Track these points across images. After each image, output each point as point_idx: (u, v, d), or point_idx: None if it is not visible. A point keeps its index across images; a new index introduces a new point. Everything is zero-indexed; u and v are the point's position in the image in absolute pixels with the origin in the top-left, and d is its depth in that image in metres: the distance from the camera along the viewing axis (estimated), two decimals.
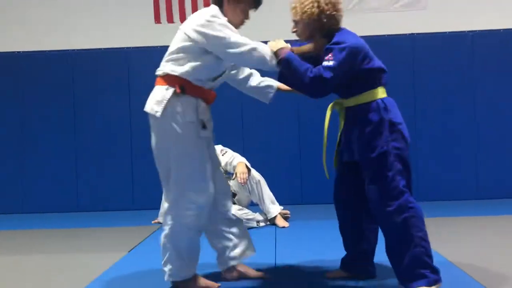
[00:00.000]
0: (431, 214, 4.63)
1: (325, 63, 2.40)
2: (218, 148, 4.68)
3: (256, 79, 2.88)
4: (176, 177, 2.51)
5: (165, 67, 2.58)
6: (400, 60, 5.41)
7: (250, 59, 2.47)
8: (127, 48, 5.71)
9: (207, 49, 2.49)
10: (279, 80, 2.61)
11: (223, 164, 4.56)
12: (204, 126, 2.57)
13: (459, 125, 5.52)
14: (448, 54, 5.53)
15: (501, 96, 5.53)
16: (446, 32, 5.56)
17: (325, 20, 2.51)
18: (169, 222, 2.54)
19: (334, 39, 2.48)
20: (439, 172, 5.50)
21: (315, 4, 2.50)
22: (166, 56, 2.61)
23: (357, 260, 2.69)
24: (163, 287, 2.72)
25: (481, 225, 4.12)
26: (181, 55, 2.54)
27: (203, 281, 2.65)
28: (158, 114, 2.49)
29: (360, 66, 2.48)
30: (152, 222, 4.74)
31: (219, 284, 2.65)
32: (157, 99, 2.53)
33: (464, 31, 5.55)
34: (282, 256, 3.29)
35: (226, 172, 4.57)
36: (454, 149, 5.51)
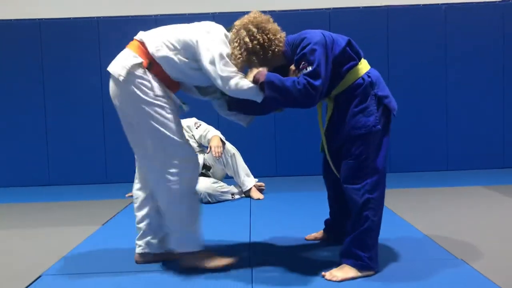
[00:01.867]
0: (403, 185, 4.76)
1: (304, 71, 2.30)
2: (192, 120, 4.65)
3: None
4: (157, 145, 2.46)
5: (149, 38, 2.50)
6: (374, 34, 5.44)
7: (241, 88, 2.37)
8: (98, 17, 5.55)
9: (201, 64, 2.43)
10: (269, 105, 2.44)
11: (197, 137, 4.54)
12: (183, 103, 2.57)
13: (430, 98, 5.59)
14: (422, 26, 5.56)
15: (472, 70, 5.61)
16: (420, 5, 5.58)
17: (269, 51, 2.40)
18: (164, 192, 2.49)
19: (299, 48, 2.37)
20: (411, 144, 5.59)
21: (242, 49, 2.37)
22: (157, 34, 2.51)
23: (339, 228, 2.76)
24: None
25: (451, 196, 4.22)
26: (171, 45, 2.45)
27: (215, 257, 2.59)
28: (121, 79, 2.42)
29: (334, 52, 2.38)
30: (126, 195, 4.71)
31: (231, 260, 2.59)
32: (122, 62, 2.45)
33: (437, 4, 5.58)
34: (257, 228, 3.32)
35: (200, 145, 4.56)
36: (425, 122, 5.61)
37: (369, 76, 2.45)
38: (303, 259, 2.67)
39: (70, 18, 5.56)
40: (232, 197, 4.36)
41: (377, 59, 5.42)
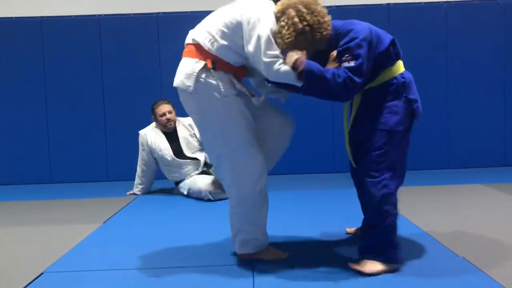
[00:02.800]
0: (404, 183, 4.75)
1: (346, 64, 2.27)
2: None
3: None
4: (226, 150, 2.45)
5: (200, 35, 2.44)
6: None
7: (282, 73, 2.31)
8: (99, 15, 5.56)
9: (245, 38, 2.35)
10: (305, 93, 2.36)
11: (198, 135, 4.55)
12: (252, 95, 2.51)
13: (431, 96, 5.59)
14: (423, 24, 5.56)
15: (473, 68, 5.60)
16: (421, 3, 5.58)
17: (318, 34, 2.32)
18: (234, 193, 2.51)
19: (345, 38, 2.32)
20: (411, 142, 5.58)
21: (291, 29, 2.28)
22: (205, 27, 2.46)
23: None
24: (136, 257, 2.74)
25: (452, 194, 4.22)
26: (220, 32, 2.39)
27: (273, 251, 2.63)
28: (191, 89, 2.39)
29: (377, 51, 2.36)
30: (127, 193, 4.73)
31: (287, 254, 2.63)
32: (187, 72, 2.41)
33: (439, 2, 5.57)
34: None
35: (202, 144, 4.56)
36: (426, 120, 5.60)
37: (403, 77, 2.44)
38: (303, 256, 2.67)
39: (71, 16, 5.56)
40: None
41: None
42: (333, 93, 2.30)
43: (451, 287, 2.18)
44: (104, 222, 3.60)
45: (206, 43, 2.42)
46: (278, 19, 2.35)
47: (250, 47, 2.33)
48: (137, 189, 4.72)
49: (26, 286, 2.35)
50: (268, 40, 2.29)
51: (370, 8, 5.52)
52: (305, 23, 2.30)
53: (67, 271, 2.58)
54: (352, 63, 2.26)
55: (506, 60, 5.59)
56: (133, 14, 5.50)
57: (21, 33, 5.55)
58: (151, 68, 5.48)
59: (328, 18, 2.37)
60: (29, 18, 5.55)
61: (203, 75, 2.40)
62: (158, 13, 5.49)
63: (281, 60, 2.31)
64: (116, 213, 3.90)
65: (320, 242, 2.92)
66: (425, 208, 3.69)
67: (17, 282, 2.40)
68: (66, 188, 5.28)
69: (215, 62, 2.40)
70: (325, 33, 2.35)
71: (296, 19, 2.29)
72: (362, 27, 2.35)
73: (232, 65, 2.45)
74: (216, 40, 2.40)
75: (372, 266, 2.35)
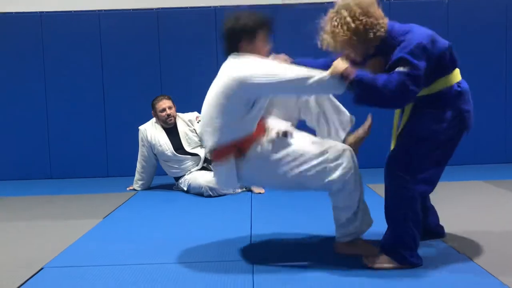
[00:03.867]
0: None
1: (404, 71, 2.18)
2: (194, 114, 4.66)
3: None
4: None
5: (208, 139, 2.47)
6: None
7: (315, 87, 2.32)
8: (99, 11, 5.54)
9: (260, 97, 2.38)
10: (357, 103, 2.29)
11: (198, 131, 4.55)
12: (285, 135, 2.48)
13: None
14: (424, 22, 5.53)
15: (474, 64, 5.59)
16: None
17: (371, 33, 2.27)
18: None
19: (403, 42, 2.23)
20: None
21: (344, 28, 2.25)
22: (206, 126, 2.47)
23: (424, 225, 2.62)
24: (136, 253, 2.74)
25: (453, 191, 4.22)
26: (224, 119, 2.39)
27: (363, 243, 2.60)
28: (238, 191, 2.54)
29: (433, 58, 2.26)
30: (127, 189, 4.73)
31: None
32: (224, 180, 2.53)
33: None
34: (257, 222, 3.32)
35: (202, 139, 4.56)
36: None
37: (459, 86, 2.40)
38: (304, 254, 2.66)
39: (71, 11, 5.55)
40: (234, 191, 4.36)
41: None
42: (386, 102, 2.26)
43: (451, 283, 2.18)
44: (104, 218, 3.60)
45: (212, 143, 2.44)
46: (331, 19, 2.33)
47: (292, 91, 2.39)
48: (137, 184, 4.71)
49: (26, 281, 2.35)
50: (293, 71, 2.31)
51: None
52: (358, 22, 2.26)
53: (67, 266, 2.58)
54: (408, 69, 2.18)
55: (508, 57, 5.58)
56: (133, 9, 5.49)
57: (21, 28, 5.53)
58: (151, 64, 5.46)
59: (383, 20, 2.32)
60: (29, 13, 5.53)
61: (238, 160, 2.43)
62: (158, 8, 5.48)
63: (310, 72, 2.31)
64: (116, 208, 3.90)
65: (319, 239, 2.92)
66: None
67: (17, 277, 2.40)
68: (66, 184, 5.28)
69: (240, 145, 2.41)
70: (378, 34, 2.29)
71: (349, 19, 2.27)
72: (421, 32, 2.29)
73: (253, 133, 2.42)
74: (220, 132, 2.40)
75: (384, 261, 2.36)
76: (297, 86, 2.34)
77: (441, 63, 2.32)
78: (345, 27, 2.26)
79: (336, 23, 2.29)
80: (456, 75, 2.42)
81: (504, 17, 5.55)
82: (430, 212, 2.76)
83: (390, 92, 2.18)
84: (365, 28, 2.27)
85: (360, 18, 2.26)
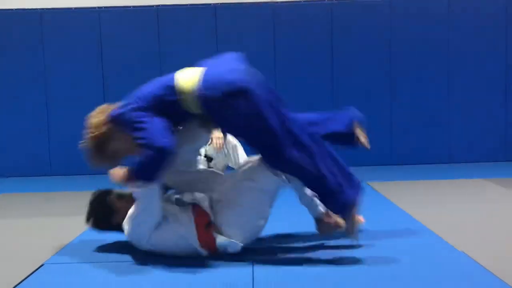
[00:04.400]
0: (405, 177, 4.76)
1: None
2: None
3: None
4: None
5: None
6: (376, 27, 5.41)
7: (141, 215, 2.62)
8: (99, 8, 5.53)
9: None
10: (148, 181, 2.54)
11: None
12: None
13: (433, 91, 5.58)
14: (424, 19, 5.54)
15: (475, 62, 5.59)
16: None
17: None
18: None
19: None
20: (413, 136, 5.60)
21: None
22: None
23: None
24: (136, 250, 2.73)
25: (453, 189, 4.23)
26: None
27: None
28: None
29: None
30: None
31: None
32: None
33: None
34: None
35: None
36: (427, 115, 5.60)
37: None
38: (304, 253, 2.66)
39: (71, 8, 5.54)
40: None
41: (379, 52, 5.40)
42: (160, 162, 2.46)
43: (451, 280, 2.18)
44: None
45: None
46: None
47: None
48: None
49: (26, 278, 2.35)
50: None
51: (371, 4, 5.48)
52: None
53: (67, 263, 2.58)
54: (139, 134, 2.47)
55: (508, 54, 5.57)
56: (133, 6, 5.48)
57: (21, 25, 5.53)
58: (151, 61, 5.44)
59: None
60: (28, 10, 5.53)
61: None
62: (158, 5, 5.47)
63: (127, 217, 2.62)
64: None
65: (319, 238, 2.91)
66: (426, 203, 3.69)
67: (17, 273, 2.40)
68: (67, 181, 5.28)
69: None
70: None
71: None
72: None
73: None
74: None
75: (343, 219, 2.53)
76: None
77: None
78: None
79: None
80: None
81: (504, 17, 5.55)
82: (327, 126, 2.75)
83: (149, 156, 2.46)
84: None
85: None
